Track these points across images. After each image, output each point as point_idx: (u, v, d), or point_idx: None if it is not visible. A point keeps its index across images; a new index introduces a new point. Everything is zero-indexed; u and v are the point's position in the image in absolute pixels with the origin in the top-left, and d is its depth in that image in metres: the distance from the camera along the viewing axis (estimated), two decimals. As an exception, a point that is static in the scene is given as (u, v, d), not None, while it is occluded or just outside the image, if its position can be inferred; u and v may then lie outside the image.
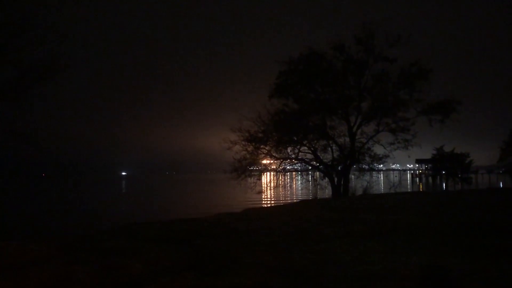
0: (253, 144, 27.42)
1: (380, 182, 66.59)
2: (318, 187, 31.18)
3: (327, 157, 28.86)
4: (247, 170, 27.82)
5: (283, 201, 35.92)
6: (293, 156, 29.25)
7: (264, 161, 30.05)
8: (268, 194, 40.42)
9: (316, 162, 29.15)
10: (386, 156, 27.96)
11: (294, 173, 39.46)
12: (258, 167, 29.83)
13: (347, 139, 27.65)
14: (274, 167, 30.42)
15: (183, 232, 9.62)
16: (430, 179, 72.10)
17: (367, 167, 29.05)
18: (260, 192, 28.80)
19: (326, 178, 28.59)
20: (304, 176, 33.32)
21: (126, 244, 8.31)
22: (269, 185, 30.76)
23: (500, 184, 57.78)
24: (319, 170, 29.72)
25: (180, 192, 65.79)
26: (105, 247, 8.06)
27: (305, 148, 28.89)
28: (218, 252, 7.45)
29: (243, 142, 27.16)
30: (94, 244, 8.44)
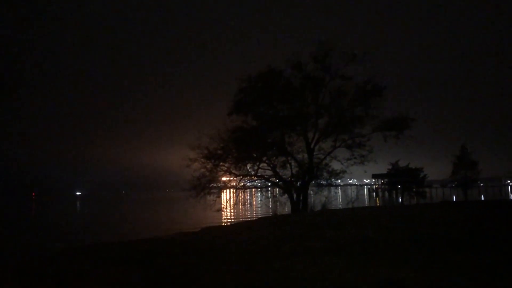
0: (212, 161, 27.23)
1: (338, 197, 67.69)
2: (278, 203, 31.26)
3: (286, 173, 29.07)
4: (206, 187, 27.51)
5: (243, 219, 35.74)
6: (252, 172, 29.25)
7: (224, 178, 29.88)
8: (228, 211, 40.12)
9: (276, 179, 29.26)
10: (344, 172, 28.46)
11: (254, 189, 39.37)
12: (217, 185, 29.58)
13: (306, 155, 27.98)
14: (234, 184, 30.28)
15: (141, 253, 9.36)
16: (386, 193, 73.99)
17: (325, 182, 29.43)
18: (220, 209, 28.49)
19: (286, 194, 28.73)
20: (264, 193, 33.30)
21: (83, 266, 7.99)
22: (228, 202, 30.52)
23: (453, 197, 60.01)
24: (279, 186, 29.83)
25: (138, 212, 64.17)
26: (61, 270, 7.71)
27: (265, 164, 28.99)
28: (178, 272, 7.27)
29: (202, 159, 26.93)
30: (50, 267, 8.06)
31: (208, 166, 27.23)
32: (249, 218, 34.51)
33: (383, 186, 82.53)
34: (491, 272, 6.76)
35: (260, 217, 27.72)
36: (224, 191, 30.55)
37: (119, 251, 9.70)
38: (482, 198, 54.36)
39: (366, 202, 59.07)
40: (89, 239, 21.24)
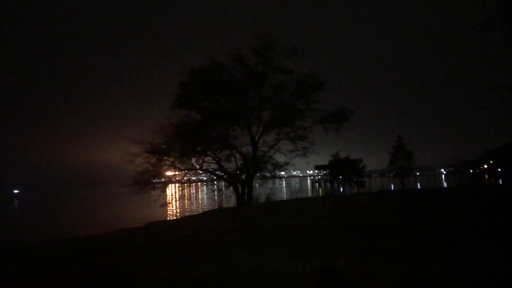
0: (156, 155, 26.83)
1: (282, 189, 68.77)
2: (223, 196, 31.38)
3: (231, 166, 29.25)
4: (150, 182, 27.09)
5: (189, 213, 35.54)
6: (197, 166, 29.16)
7: (168, 173, 29.53)
8: (173, 206, 39.70)
9: (221, 172, 29.36)
10: (287, 164, 29.02)
11: (199, 183, 39.23)
12: (162, 179, 29.21)
13: (250, 148, 28.26)
14: (179, 178, 30.03)
15: (81, 251, 9.15)
16: (328, 184, 76.14)
17: (269, 174, 29.92)
18: (165, 204, 28.19)
19: (231, 187, 28.91)
20: (209, 186, 33.32)
21: (20, 267, 7.72)
22: (173, 197, 30.22)
23: (391, 186, 62.81)
24: (224, 179, 29.94)
25: (80, 209, 61.83)
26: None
27: (209, 158, 29.00)
28: (118, 269, 7.20)
29: (146, 154, 26.45)
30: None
31: (151, 161, 26.83)
32: (194, 212, 34.40)
33: (325, 177, 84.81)
34: (428, 257, 7.18)
35: (205, 210, 27.72)
36: (169, 186, 30.19)
37: (57, 250, 9.43)
38: (418, 187, 57.30)
39: (309, 193, 60.43)
40: (26, 239, 20.28)
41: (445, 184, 65.57)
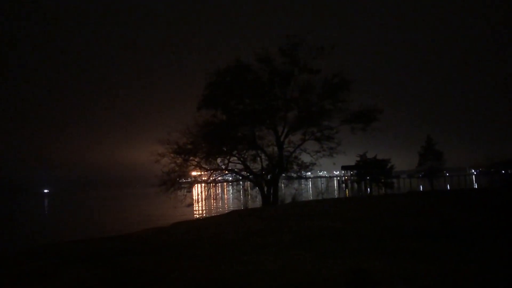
0: (182, 156, 27.01)
1: (308, 190, 68.37)
2: (249, 197, 31.34)
3: (256, 166, 29.16)
4: (176, 182, 27.29)
5: (214, 213, 35.70)
6: (223, 167, 29.21)
7: (194, 173, 29.70)
8: (199, 206, 39.96)
9: (246, 172, 29.32)
10: (313, 164, 28.76)
11: (225, 184, 39.33)
12: (188, 179, 29.40)
13: (275, 148, 28.13)
14: (205, 178, 30.15)
15: (108, 250, 9.23)
16: (355, 185, 75.19)
17: (295, 175, 29.71)
18: (191, 204, 28.35)
19: (256, 188, 28.83)
20: (235, 187, 33.36)
21: (48, 265, 7.83)
22: (199, 197, 30.37)
23: (420, 187, 61.59)
24: (249, 180, 29.89)
25: (107, 209, 63.04)
26: (22, 269, 7.54)
27: (235, 158, 28.99)
28: (145, 269, 7.21)
29: (172, 155, 26.68)
30: (10, 267, 7.86)
31: (178, 161, 27.02)
32: (220, 212, 34.50)
33: (352, 178, 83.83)
34: (457, 259, 6.98)
35: (231, 211, 27.76)
36: (195, 186, 30.37)
37: (85, 249, 9.55)
38: (448, 188, 55.99)
39: (335, 193, 59.86)
40: (56, 238, 20.74)
41: (475, 185, 63.91)
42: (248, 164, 28.93)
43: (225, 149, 28.13)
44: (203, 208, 42.16)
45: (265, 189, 27.86)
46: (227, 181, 34.89)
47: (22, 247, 16.82)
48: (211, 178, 29.92)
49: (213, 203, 42.57)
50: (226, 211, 30.67)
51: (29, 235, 28.98)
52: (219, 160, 29.03)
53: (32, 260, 8.46)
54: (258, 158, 28.94)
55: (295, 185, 31.25)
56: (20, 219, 47.07)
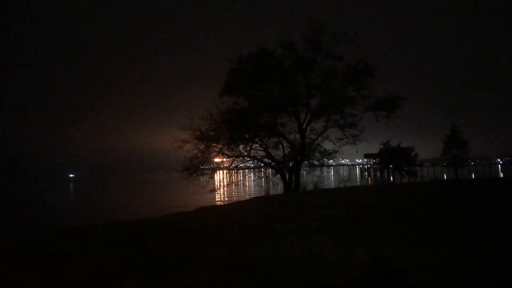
0: (205, 142, 27.22)
1: (330, 177, 68.11)
2: (271, 183, 31.44)
3: (278, 153, 29.19)
4: (199, 168, 27.59)
5: (236, 199, 35.96)
6: (245, 153, 29.33)
7: (216, 159, 29.93)
8: (221, 192, 40.31)
9: (268, 159, 29.39)
10: (335, 152, 28.63)
11: (246, 170, 39.51)
12: (210, 166, 29.67)
13: (298, 135, 28.07)
14: (227, 165, 30.36)
15: (133, 234, 9.43)
16: (378, 173, 74.54)
17: (317, 162, 29.63)
18: (213, 190, 28.64)
19: (278, 175, 28.89)
20: (257, 173, 33.47)
21: (74, 247, 8.06)
22: (221, 183, 30.63)
23: (444, 176, 60.63)
24: (271, 166, 29.97)
25: (132, 194, 64.26)
26: (51, 251, 7.79)
27: (257, 145, 29.07)
28: (168, 253, 7.36)
29: (195, 141, 26.91)
30: (40, 249, 8.13)
31: (200, 148, 27.26)
32: (242, 198, 34.74)
33: (375, 166, 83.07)
34: (483, 248, 6.91)
35: (253, 197, 27.92)
36: (217, 172, 30.62)
37: (109, 232, 9.77)
38: (473, 177, 54.93)
39: (358, 181, 59.48)
40: (81, 221, 21.28)
41: (501, 175, 62.52)
42: (270, 151, 28.98)
43: (247, 136, 28.21)
44: (225, 194, 42.54)
45: (287, 176, 27.90)
46: (249, 167, 35.07)
47: (48, 230, 17.36)
48: (233, 165, 30.11)
49: (235, 189, 42.86)
50: (248, 198, 30.89)
51: (55, 218, 29.85)
52: (241, 146, 29.18)
53: (59, 243, 8.71)
54: (280, 145, 28.96)
55: (317, 172, 31.14)
56: (47, 203, 48.41)
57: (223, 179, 32.15)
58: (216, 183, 29.21)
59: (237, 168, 31.09)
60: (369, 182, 58.40)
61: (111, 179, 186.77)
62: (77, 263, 6.74)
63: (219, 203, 33.69)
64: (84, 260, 6.93)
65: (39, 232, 18.50)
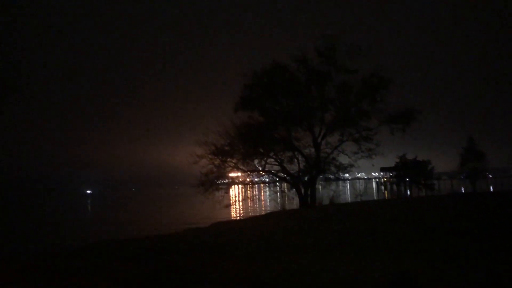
0: (220, 157, 27.26)
1: (346, 191, 67.50)
2: (286, 198, 31.26)
3: (293, 168, 29.02)
4: (214, 183, 27.59)
5: (252, 214, 35.86)
6: (260, 168, 29.26)
7: (232, 174, 29.92)
8: (236, 207, 40.25)
9: (283, 174, 29.26)
10: (351, 165, 28.34)
11: (262, 185, 39.43)
12: (225, 180, 29.67)
13: (313, 149, 27.90)
14: (242, 179, 30.33)
15: (150, 250, 9.48)
16: (394, 186, 73.65)
17: (333, 176, 29.38)
18: (228, 205, 28.61)
19: (294, 189, 28.72)
20: (272, 188, 33.35)
21: (92, 262, 8.13)
22: (237, 198, 30.61)
23: (461, 189, 59.63)
24: (286, 181, 29.81)
25: (147, 209, 64.51)
26: (69, 266, 7.86)
27: (272, 159, 28.96)
28: (186, 268, 7.37)
29: (210, 156, 26.96)
30: (58, 264, 8.21)
31: (215, 162, 27.28)
32: (257, 213, 34.62)
33: (391, 179, 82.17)
34: (501, 262, 6.79)
35: (269, 212, 27.81)
36: (232, 187, 30.58)
37: (127, 248, 9.83)
38: (491, 189, 53.91)
39: (374, 195, 58.82)
40: (98, 237, 21.43)
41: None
42: (285, 165, 28.86)
43: (262, 151, 28.18)
44: (241, 209, 42.45)
45: (303, 190, 27.72)
46: (264, 182, 34.97)
47: (68, 245, 17.51)
48: (248, 179, 30.06)
49: (250, 204, 42.74)
50: (264, 213, 30.76)
51: (73, 234, 30.09)
52: (256, 161, 29.11)
53: (79, 258, 8.79)
54: (295, 159, 28.81)
55: (333, 186, 30.90)
56: (65, 219, 48.87)
57: (238, 194, 32.15)
58: (231, 198, 29.15)
59: (252, 182, 31.02)
60: (386, 196, 57.66)
61: (127, 194, 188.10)
62: (96, 278, 6.79)
63: (234, 218, 33.63)
64: (103, 275, 6.98)
65: (57, 247, 18.68)
